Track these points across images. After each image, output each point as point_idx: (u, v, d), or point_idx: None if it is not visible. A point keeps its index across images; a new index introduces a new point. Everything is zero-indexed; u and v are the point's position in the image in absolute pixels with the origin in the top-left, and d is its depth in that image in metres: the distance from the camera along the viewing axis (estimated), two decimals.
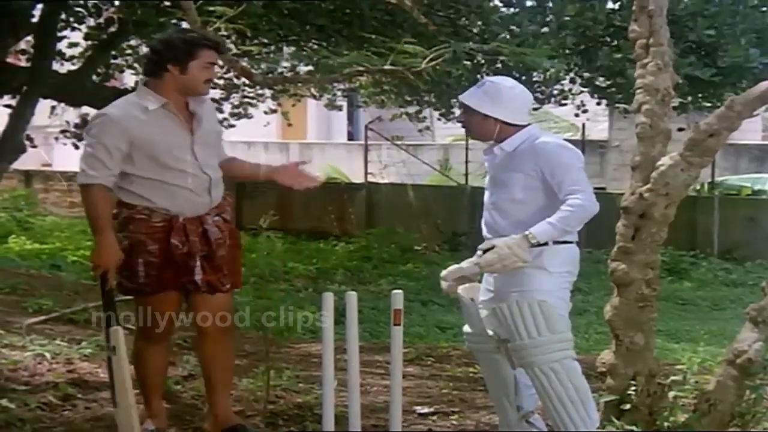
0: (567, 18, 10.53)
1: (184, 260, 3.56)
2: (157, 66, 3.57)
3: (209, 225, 3.60)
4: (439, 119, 14.85)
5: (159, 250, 3.54)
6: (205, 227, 3.59)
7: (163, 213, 3.56)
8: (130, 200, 3.57)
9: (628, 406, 3.67)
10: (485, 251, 3.50)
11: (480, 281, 3.77)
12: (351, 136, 25.39)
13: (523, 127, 3.67)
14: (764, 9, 11.41)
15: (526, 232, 3.46)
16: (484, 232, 3.69)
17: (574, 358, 3.56)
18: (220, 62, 3.74)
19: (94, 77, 11.06)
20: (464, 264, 3.72)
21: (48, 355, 4.83)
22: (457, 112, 14.62)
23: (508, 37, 9.97)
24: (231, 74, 11.47)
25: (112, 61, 11.75)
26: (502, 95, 3.64)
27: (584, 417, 3.48)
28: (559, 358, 3.48)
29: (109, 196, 3.56)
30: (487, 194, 3.75)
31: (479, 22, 9.85)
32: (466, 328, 3.84)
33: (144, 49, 12.09)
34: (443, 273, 3.84)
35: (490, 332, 3.65)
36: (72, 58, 11.28)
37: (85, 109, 12.24)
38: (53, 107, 12.09)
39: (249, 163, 3.96)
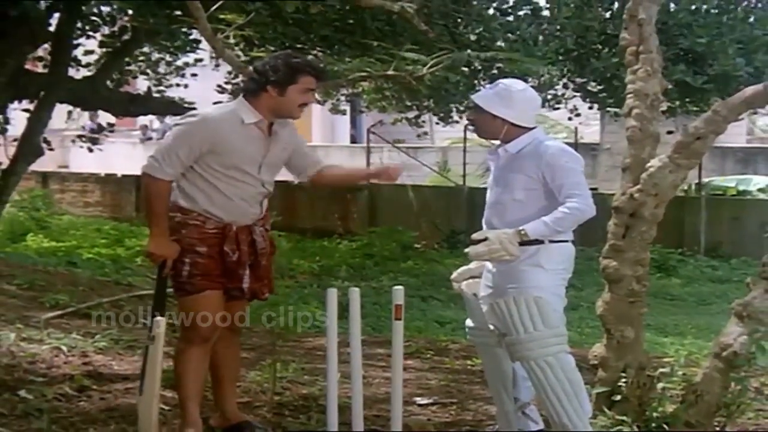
0: (565, 19, 10.68)
1: (233, 268, 3.60)
2: (257, 85, 3.60)
3: (257, 235, 3.67)
4: (437, 123, 14.98)
5: (207, 253, 3.58)
6: (254, 237, 3.65)
7: (216, 221, 3.60)
8: (187, 205, 3.61)
9: (618, 397, 3.74)
10: (478, 241, 3.58)
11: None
12: (354, 140, 25.44)
13: (529, 129, 3.72)
14: (750, 21, 11.61)
15: (520, 228, 3.55)
16: (484, 229, 3.74)
17: (568, 351, 3.63)
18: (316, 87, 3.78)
19: (109, 83, 11.20)
20: (471, 265, 3.80)
21: (64, 348, 4.93)
22: (455, 116, 14.81)
23: (503, 45, 10.11)
24: (239, 80, 11.62)
25: (126, 67, 11.91)
26: (512, 97, 3.70)
27: (577, 408, 3.56)
28: (553, 352, 3.56)
29: (170, 191, 3.61)
30: (489, 193, 3.81)
31: (480, 29, 9.93)
32: (469, 322, 3.90)
33: (156, 56, 12.33)
34: (453, 275, 3.91)
35: (491, 326, 3.72)
36: (88, 65, 11.43)
37: (100, 113, 12.47)
38: (69, 112, 12.22)
39: (349, 169, 3.87)
